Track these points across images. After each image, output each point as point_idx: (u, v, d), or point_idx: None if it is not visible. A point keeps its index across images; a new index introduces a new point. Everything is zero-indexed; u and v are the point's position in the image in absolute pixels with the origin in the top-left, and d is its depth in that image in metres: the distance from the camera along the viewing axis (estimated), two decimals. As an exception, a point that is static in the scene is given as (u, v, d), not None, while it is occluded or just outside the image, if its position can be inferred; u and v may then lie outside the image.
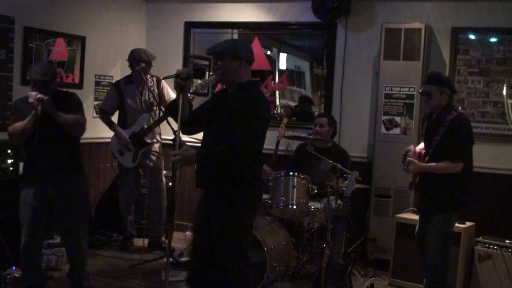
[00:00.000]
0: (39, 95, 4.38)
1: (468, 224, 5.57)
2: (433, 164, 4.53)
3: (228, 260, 3.87)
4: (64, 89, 4.92)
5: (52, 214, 4.72)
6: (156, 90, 6.41)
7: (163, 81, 6.43)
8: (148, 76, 6.38)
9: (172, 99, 4.96)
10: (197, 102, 4.65)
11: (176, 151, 3.79)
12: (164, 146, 6.66)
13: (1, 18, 5.78)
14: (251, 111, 3.75)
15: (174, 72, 3.89)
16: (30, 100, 4.38)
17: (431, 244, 4.63)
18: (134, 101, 6.33)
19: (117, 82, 6.52)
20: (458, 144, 4.49)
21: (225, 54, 3.86)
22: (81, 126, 4.71)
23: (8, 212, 5.15)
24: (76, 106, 4.76)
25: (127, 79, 6.41)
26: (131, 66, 6.30)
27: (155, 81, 6.44)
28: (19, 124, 4.51)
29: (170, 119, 4.99)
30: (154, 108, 6.40)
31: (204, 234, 3.96)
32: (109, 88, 6.77)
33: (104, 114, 6.41)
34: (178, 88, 3.87)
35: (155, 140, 6.44)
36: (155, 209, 6.47)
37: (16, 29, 5.93)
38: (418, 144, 5.15)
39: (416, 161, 4.60)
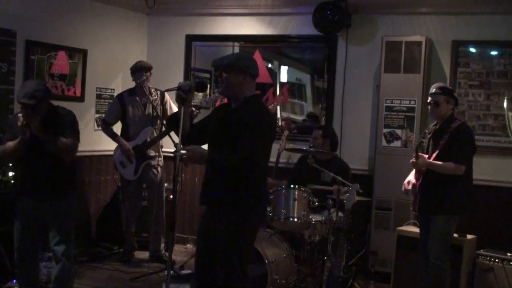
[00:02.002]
0: (25, 121, 4.24)
1: (469, 237, 5.56)
2: (440, 162, 4.79)
3: (230, 275, 3.86)
4: (61, 107, 4.68)
5: (39, 233, 4.63)
6: (159, 104, 6.43)
7: (166, 95, 6.45)
8: (152, 90, 6.40)
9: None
10: (199, 116, 4.63)
11: (186, 147, 3.77)
12: (165, 159, 6.66)
13: (3, 31, 5.81)
14: (258, 126, 3.78)
15: (175, 85, 3.90)
16: (19, 123, 4.28)
17: (433, 246, 4.84)
18: (136, 113, 6.35)
19: (121, 93, 6.54)
20: (462, 147, 4.80)
21: (231, 67, 3.86)
22: (71, 152, 4.51)
23: (9, 225, 5.15)
24: (69, 128, 4.54)
25: (131, 91, 6.44)
26: (132, 74, 6.34)
27: (159, 95, 6.45)
28: (9, 145, 4.42)
29: (172, 132, 4.99)
30: (158, 122, 6.41)
31: (207, 250, 3.97)
32: (111, 100, 6.79)
33: (106, 126, 6.42)
34: (180, 100, 3.87)
35: (157, 154, 6.44)
36: (155, 222, 6.46)
37: (18, 42, 5.96)
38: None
39: (425, 156, 4.87)
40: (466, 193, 4.86)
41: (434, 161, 4.83)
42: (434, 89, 4.95)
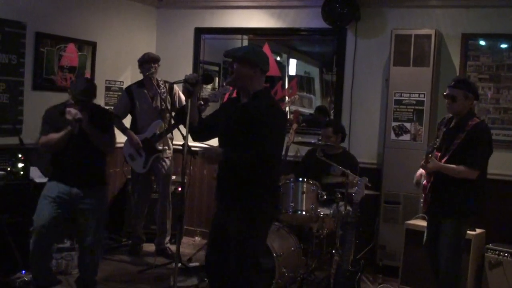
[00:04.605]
0: (79, 115, 4.48)
1: (478, 231, 5.54)
2: (452, 165, 4.51)
3: (242, 268, 3.88)
4: (98, 104, 5.08)
5: (70, 221, 4.81)
6: (168, 97, 6.42)
7: (175, 87, 6.45)
8: (161, 82, 6.40)
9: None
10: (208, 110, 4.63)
11: (203, 149, 3.83)
12: (174, 151, 6.67)
13: (13, 23, 5.83)
14: (270, 121, 3.79)
15: (183, 77, 3.90)
16: (69, 117, 4.48)
17: (444, 252, 4.61)
18: (144, 105, 6.35)
19: (129, 86, 6.55)
20: (478, 151, 4.49)
21: (243, 59, 3.87)
22: (112, 148, 4.94)
23: (18, 216, 5.18)
24: (111, 127, 4.94)
25: (139, 84, 6.44)
26: (140, 66, 6.34)
27: (167, 87, 6.45)
28: (53, 137, 4.59)
29: (182, 125, 5.02)
30: (167, 115, 6.40)
31: (220, 243, 4.00)
32: (120, 93, 6.81)
33: (116, 119, 6.42)
34: (187, 93, 3.88)
35: (166, 147, 6.44)
36: (160, 215, 6.47)
37: (28, 34, 5.98)
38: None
39: (435, 159, 4.58)
40: (479, 196, 4.59)
41: (446, 165, 4.54)
42: (452, 82, 4.66)
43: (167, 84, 6.44)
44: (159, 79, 6.41)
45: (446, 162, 4.58)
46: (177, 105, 6.41)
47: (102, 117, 4.83)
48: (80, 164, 4.68)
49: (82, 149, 4.64)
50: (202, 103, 4.42)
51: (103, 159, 4.91)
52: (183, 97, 6.45)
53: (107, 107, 6.90)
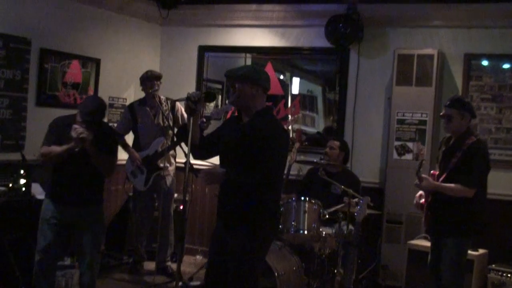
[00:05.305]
0: (83, 135, 4.38)
1: (481, 251, 5.51)
2: (448, 184, 4.52)
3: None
4: (105, 122, 4.90)
5: (69, 238, 4.75)
6: (170, 114, 6.42)
7: (177, 104, 6.45)
8: (163, 99, 6.41)
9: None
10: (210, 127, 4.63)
11: (205, 169, 3.82)
12: (176, 169, 6.65)
13: (18, 39, 5.86)
14: (273, 141, 3.78)
15: (186, 95, 3.90)
16: (74, 134, 4.39)
17: (446, 271, 4.59)
18: (146, 122, 6.36)
19: (131, 103, 6.57)
20: (474, 169, 4.48)
21: (244, 79, 3.88)
22: (112, 171, 4.81)
23: (19, 233, 5.17)
24: (114, 147, 4.82)
25: (141, 101, 6.46)
26: (142, 83, 6.35)
27: (169, 105, 6.45)
28: (55, 150, 4.52)
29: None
30: (170, 132, 6.40)
31: (219, 262, 3.97)
32: (123, 110, 6.83)
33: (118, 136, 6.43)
34: (189, 111, 3.88)
35: (168, 165, 6.43)
36: (162, 233, 6.42)
37: (32, 50, 6.01)
38: (431, 169, 5.13)
39: (429, 178, 4.60)
40: (478, 214, 4.57)
41: (441, 184, 4.56)
42: (448, 102, 4.69)
43: (169, 102, 6.45)
44: (162, 96, 6.43)
45: (443, 181, 4.59)
46: (180, 122, 6.40)
47: (107, 139, 4.73)
48: (78, 182, 4.62)
49: (82, 168, 4.58)
50: (204, 120, 4.44)
51: (102, 180, 4.81)
52: (185, 114, 6.44)
53: (110, 124, 6.94)
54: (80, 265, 4.91)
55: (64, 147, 4.46)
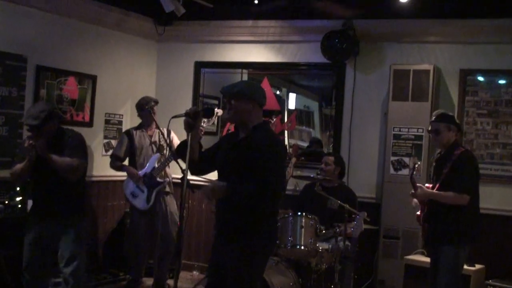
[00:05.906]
0: (31, 141, 4.33)
1: (478, 266, 5.51)
2: (440, 192, 4.69)
3: None
4: (70, 128, 4.80)
5: (52, 253, 4.67)
6: (167, 137, 6.39)
7: (172, 132, 6.45)
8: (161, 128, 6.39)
9: None
10: (207, 142, 4.63)
11: (206, 186, 3.79)
12: (173, 185, 6.62)
13: (14, 56, 5.87)
14: (271, 155, 3.79)
15: (183, 111, 3.91)
16: (25, 144, 4.37)
17: (442, 278, 4.67)
18: (143, 143, 6.37)
19: (128, 129, 6.57)
20: (464, 176, 4.66)
21: (240, 95, 3.88)
22: (75, 171, 4.55)
23: (15, 249, 5.14)
24: (74, 148, 4.60)
25: (138, 126, 6.49)
26: (140, 108, 6.36)
27: (165, 132, 6.41)
28: (17, 167, 4.51)
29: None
30: (165, 151, 6.38)
31: (218, 279, 3.95)
32: (120, 126, 6.82)
33: (115, 159, 6.41)
34: (187, 127, 3.88)
35: (167, 179, 6.40)
36: (163, 251, 6.36)
37: (29, 67, 6.02)
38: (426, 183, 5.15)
39: (423, 186, 4.78)
40: (472, 222, 4.70)
41: (435, 192, 4.73)
42: (434, 117, 4.89)
43: (165, 129, 6.36)
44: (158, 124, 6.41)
45: (437, 191, 4.76)
46: (173, 149, 6.35)
47: (62, 141, 4.56)
48: (50, 194, 4.55)
49: (50, 178, 4.50)
50: (202, 128, 4.45)
51: (74, 188, 4.64)
52: (178, 141, 6.38)
53: (106, 140, 6.93)
54: (63, 281, 4.79)
55: (24, 162, 4.43)
